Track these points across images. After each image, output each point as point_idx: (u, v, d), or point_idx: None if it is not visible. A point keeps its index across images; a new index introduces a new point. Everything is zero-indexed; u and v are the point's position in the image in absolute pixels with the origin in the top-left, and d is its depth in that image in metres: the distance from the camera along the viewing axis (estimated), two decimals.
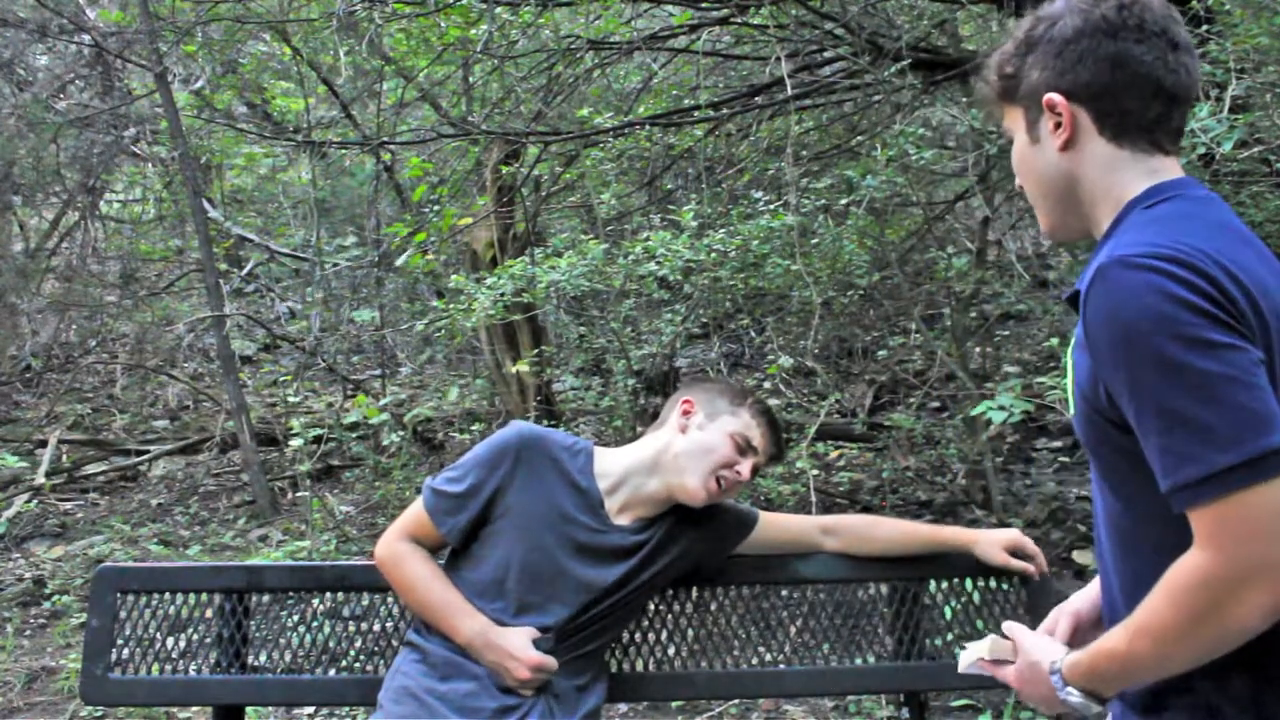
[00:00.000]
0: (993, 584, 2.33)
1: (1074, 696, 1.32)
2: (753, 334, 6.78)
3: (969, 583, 2.33)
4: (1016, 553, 2.22)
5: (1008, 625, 1.50)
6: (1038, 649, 1.41)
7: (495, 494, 2.07)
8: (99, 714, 3.86)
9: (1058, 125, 1.35)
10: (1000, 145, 3.54)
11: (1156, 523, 1.25)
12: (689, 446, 2.10)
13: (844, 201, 3.69)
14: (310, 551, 4.95)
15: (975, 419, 4.19)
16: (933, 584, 2.34)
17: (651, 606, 2.33)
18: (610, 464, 2.14)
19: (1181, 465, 1.15)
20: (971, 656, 1.53)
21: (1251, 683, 1.23)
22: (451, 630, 2.04)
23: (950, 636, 2.38)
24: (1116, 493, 1.32)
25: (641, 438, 2.22)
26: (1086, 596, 1.56)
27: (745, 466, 2.09)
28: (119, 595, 2.33)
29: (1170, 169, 1.35)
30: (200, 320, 7.50)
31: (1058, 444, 5.59)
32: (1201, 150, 2.75)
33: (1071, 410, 1.35)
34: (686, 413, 2.14)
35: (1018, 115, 1.41)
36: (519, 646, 2.00)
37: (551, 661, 2.01)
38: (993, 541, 2.22)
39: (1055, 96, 1.34)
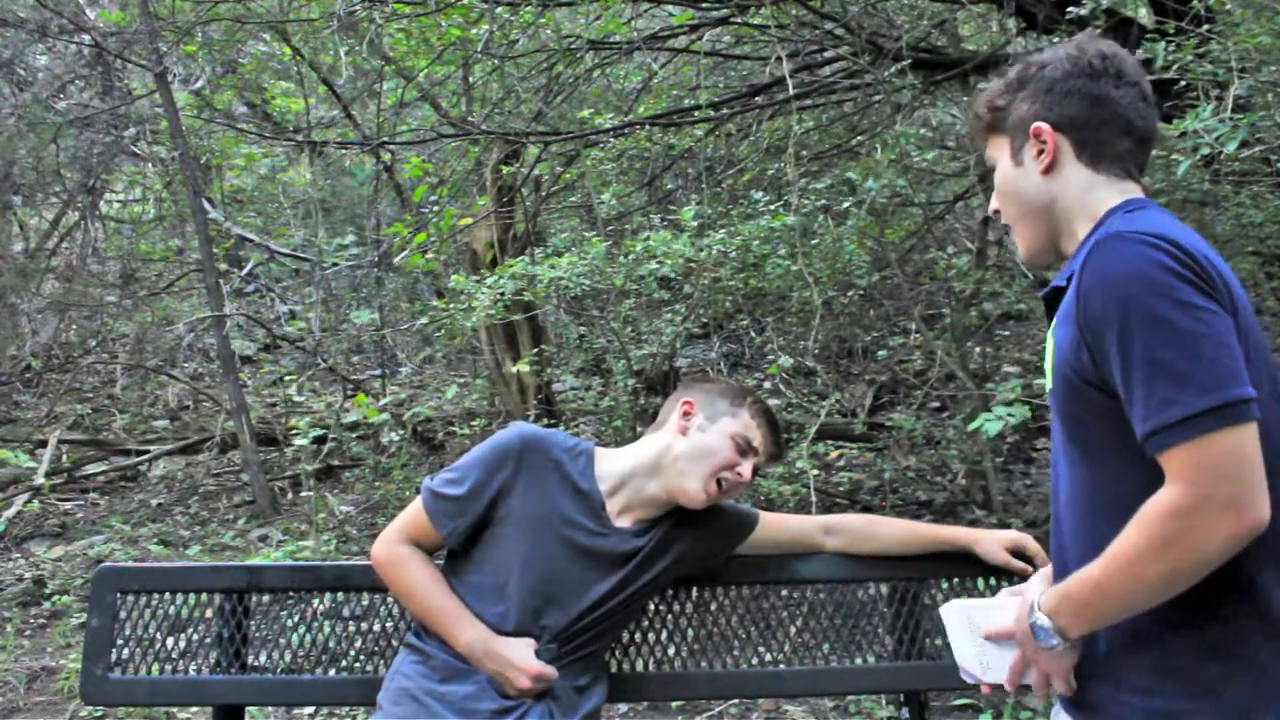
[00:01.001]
0: (993, 584, 2.33)
1: (1043, 621, 1.42)
2: (753, 334, 6.78)
3: (969, 583, 2.33)
4: (1018, 553, 2.22)
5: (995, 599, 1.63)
6: (1024, 597, 1.51)
7: (496, 497, 2.06)
8: (99, 714, 3.86)
9: (1040, 151, 1.55)
10: None
11: (1126, 484, 1.39)
12: (689, 449, 2.09)
13: (846, 204, 3.69)
14: (310, 551, 4.95)
15: (975, 419, 4.18)
16: (933, 584, 2.34)
17: (651, 606, 2.33)
18: (611, 466, 2.13)
19: (1163, 408, 1.30)
20: (967, 648, 1.56)
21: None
22: (451, 638, 2.03)
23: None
24: (1089, 459, 1.45)
25: (641, 439, 2.21)
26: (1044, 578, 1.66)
27: (746, 468, 2.09)
28: (119, 595, 2.33)
29: (1139, 192, 1.55)
30: (200, 320, 7.51)
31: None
32: (1205, 151, 2.75)
33: (1049, 385, 1.49)
34: (686, 414, 2.13)
35: (1003, 144, 1.60)
36: (519, 656, 1.99)
37: (552, 671, 2.00)
38: (994, 541, 2.22)
39: (1042, 125, 1.54)
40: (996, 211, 1.65)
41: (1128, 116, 1.53)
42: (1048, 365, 1.50)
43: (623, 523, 2.11)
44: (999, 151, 1.61)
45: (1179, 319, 1.30)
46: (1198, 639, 1.36)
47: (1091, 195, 1.53)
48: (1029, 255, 1.62)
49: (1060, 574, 1.49)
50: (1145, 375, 1.31)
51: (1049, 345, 1.50)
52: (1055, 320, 1.49)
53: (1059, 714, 1.54)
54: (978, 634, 1.54)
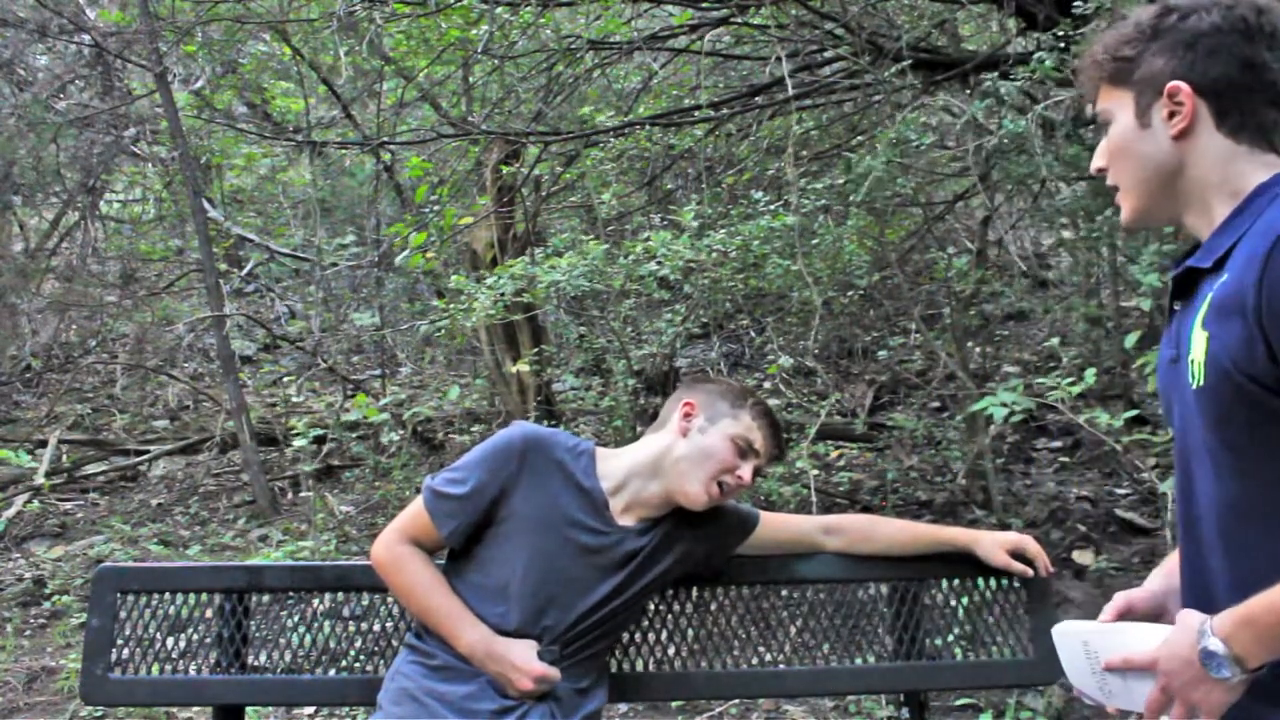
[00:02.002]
0: (993, 584, 2.33)
1: (1217, 647, 1.27)
2: (753, 334, 6.78)
3: (970, 583, 2.33)
4: (1019, 555, 2.21)
5: (1109, 626, 1.47)
6: (1183, 621, 1.35)
7: (498, 496, 2.05)
8: (99, 714, 3.86)
9: (1173, 114, 1.38)
10: (1001, 145, 3.54)
11: None
12: (690, 451, 2.09)
13: (849, 198, 3.69)
14: (310, 551, 4.95)
15: (976, 418, 4.19)
16: (933, 584, 2.34)
17: (651, 606, 2.33)
18: (612, 465, 2.13)
19: None
20: (1080, 666, 1.46)
21: None
22: (452, 639, 2.03)
23: (950, 637, 2.38)
24: (1242, 465, 1.32)
25: (642, 439, 2.21)
26: (1142, 593, 1.56)
27: (746, 470, 2.08)
28: (119, 595, 2.33)
29: None
30: (200, 320, 7.50)
31: (1058, 444, 5.59)
32: None
33: (1197, 382, 1.34)
34: (687, 415, 2.13)
35: (1126, 98, 1.43)
36: (522, 657, 1.99)
37: (555, 673, 2.00)
38: (995, 542, 2.22)
39: (1181, 85, 1.37)
40: (1102, 170, 1.48)
41: (1279, 83, 1.36)
42: (1196, 359, 1.34)
43: (625, 522, 2.10)
44: (1118, 106, 1.44)
45: None
46: None
47: (1233, 169, 1.37)
48: (1137, 219, 1.47)
49: (1200, 591, 1.39)
50: None
51: (1199, 337, 1.34)
52: (1206, 310, 1.33)
53: None
54: (1096, 661, 1.44)
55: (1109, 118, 1.45)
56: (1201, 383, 1.33)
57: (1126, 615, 1.54)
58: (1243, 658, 1.25)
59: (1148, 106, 1.40)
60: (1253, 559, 1.30)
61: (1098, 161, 1.49)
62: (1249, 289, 1.26)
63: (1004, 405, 3.41)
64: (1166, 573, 1.56)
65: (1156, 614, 1.54)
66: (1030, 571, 2.22)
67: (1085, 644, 1.45)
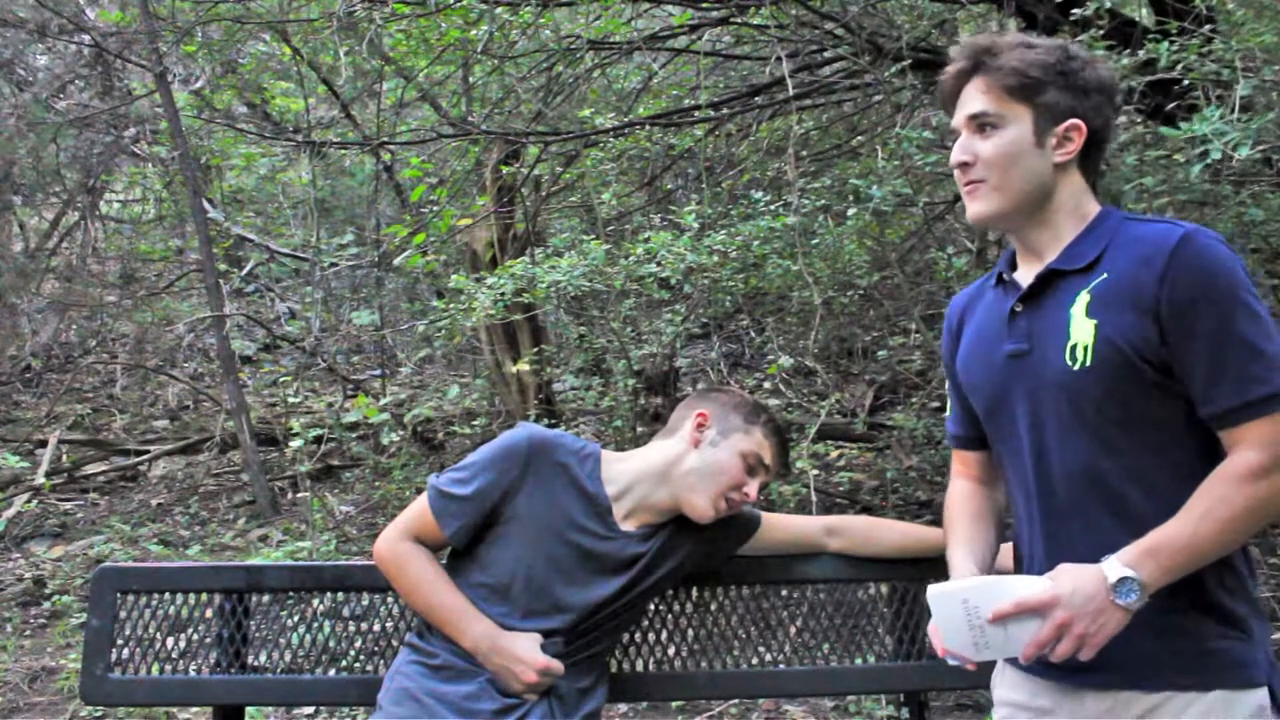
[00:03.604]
0: None
1: (1129, 573, 1.48)
2: (753, 334, 6.78)
3: None
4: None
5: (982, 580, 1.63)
6: (1073, 568, 1.54)
7: (503, 497, 2.05)
8: (99, 714, 3.86)
9: (1060, 144, 1.63)
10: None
11: (1149, 456, 1.55)
12: (700, 464, 2.09)
13: (851, 213, 3.68)
14: (310, 551, 4.95)
15: None
16: (933, 584, 2.34)
17: (651, 606, 2.33)
18: (618, 470, 2.13)
19: (1251, 386, 1.49)
20: (958, 632, 1.58)
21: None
22: (457, 634, 2.03)
23: None
24: (1119, 434, 1.55)
25: (650, 444, 2.21)
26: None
27: (753, 487, 2.09)
28: (119, 595, 2.33)
29: None
30: (200, 320, 7.51)
31: None
32: (1216, 155, 2.74)
33: (1083, 363, 1.56)
34: (700, 426, 2.12)
35: (1024, 114, 1.63)
36: (526, 650, 1.99)
37: (558, 665, 2.00)
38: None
39: (1080, 124, 1.62)
40: (964, 164, 1.66)
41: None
42: (1083, 343, 1.57)
43: (628, 527, 2.10)
44: (1014, 118, 1.63)
45: (1261, 310, 1.51)
46: (1232, 588, 1.55)
47: (1084, 199, 1.66)
48: (993, 219, 1.67)
49: (1064, 553, 1.58)
50: (1238, 356, 1.49)
51: (1084, 325, 1.57)
52: (1088, 303, 1.57)
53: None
54: (975, 615, 1.56)
55: (998, 123, 1.63)
56: (1089, 363, 1.56)
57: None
58: (1146, 584, 1.49)
59: (1044, 130, 1.62)
60: (1126, 518, 1.55)
61: (963, 156, 1.66)
62: (1146, 284, 1.53)
63: None
64: (978, 558, 1.77)
65: None
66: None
67: (965, 601, 1.57)
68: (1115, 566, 1.49)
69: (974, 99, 1.65)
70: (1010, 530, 1.83)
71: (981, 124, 1.64)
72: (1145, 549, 1.50)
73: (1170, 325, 1.51)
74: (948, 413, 1.96)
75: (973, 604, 1.57)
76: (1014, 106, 1.63)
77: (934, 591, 1.62)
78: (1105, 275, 1.57)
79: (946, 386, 1.95)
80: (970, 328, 1.80)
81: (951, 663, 1.63)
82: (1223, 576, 1.55)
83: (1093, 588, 1.49)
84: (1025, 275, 1.69)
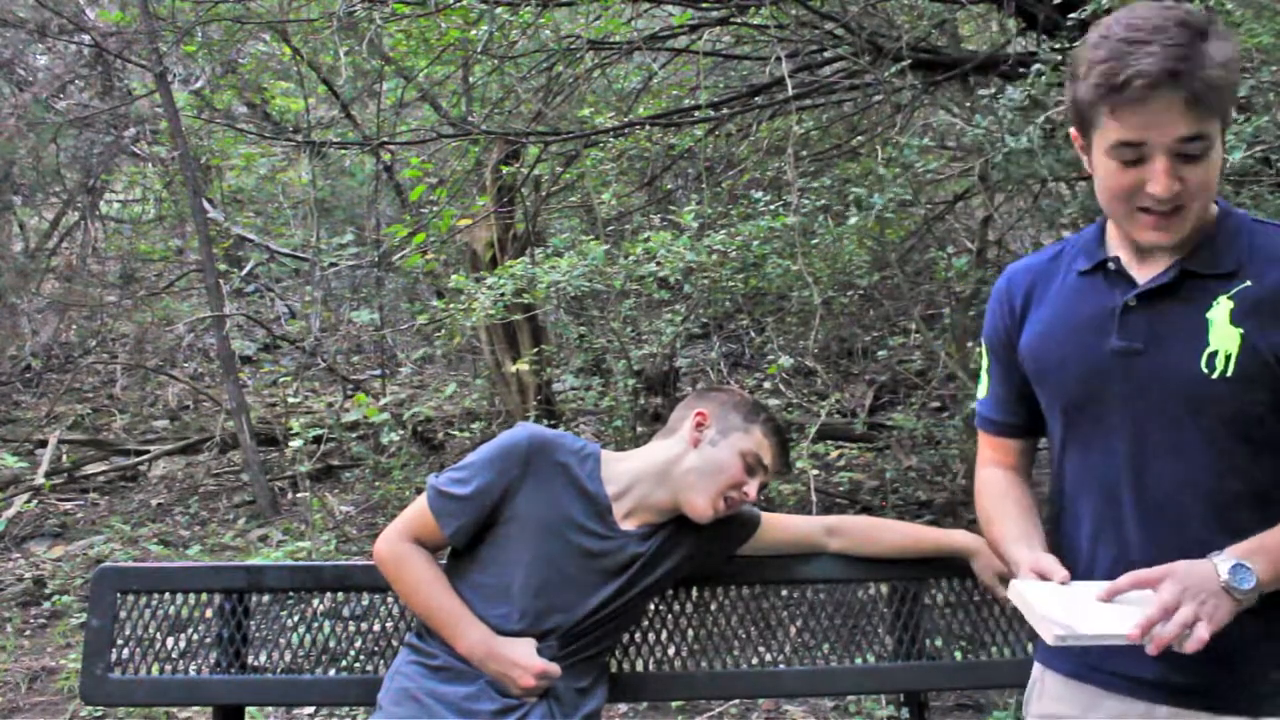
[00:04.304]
0: None
1: (1243, 561, 1.40)
2: (753, 334, 6.78)
3: (970, 583, 2.32)
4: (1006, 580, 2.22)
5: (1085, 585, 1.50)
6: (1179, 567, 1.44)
7: (502, 497, 2.05)
8: (99, 714, 3.86)
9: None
10: (1005, 155, 3.51)
11: (1268, 474, 1.48)
12: (700, 463, 2.09)
13: (851, 220, 3.68)
14: (310, 551, 4.95)
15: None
16: (933, 584, 2.34)
17: (651, 607, 2.32)
18: (618, 470, 2.13)
19: None
20: (1054, 615, 1.41)
21: None
22: (452, 639, 2.03)
23: (950, 637, 2.38)
24: (1242, 452, 1.47)
25: (650, 443, 2.21)
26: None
27: (752, 487, 2.09)
28: (119, 595, 2.33)
29: None
30: (200, 320, 7.51)
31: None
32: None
33: (1223, 372, 1.46)
34: (699, 425, 2.12)
35: (1218, 128, 1.46)
36: (522, 655, 1.99)
37: (555, 668, 2.00)
38: (990, 564, 2.20)
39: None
40: (1177, 193, 1.45)
41: None
42: (1226, 352, 1.46)
43: (628, 526, 2.10)
44: (1214, 132, 1.44)
45: None
46: None
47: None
48: (1183, 239, 1.51)
49: (1145, 554, 1.49)
50: None
51: (1228, 333, 1.47)
52: (1231, 309, 1.47)
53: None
54: (1072, 599, 1.45)
55: (1208, 146, 1.44)
56: (1229, 373, 1.45)
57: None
58: (1260, 578, 1.40)
59: (1220, 140, 1.47)
60: (1238, 536, 1.44)
61: (1174, 186, 1.44)
62: None
63: None
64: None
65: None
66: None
67: (1052, 587, 1.47)
68: (1226, 557, 1.41)
69: (1179, 120, 1.41)
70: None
71: (1190, 150, 1.43)
72: (1255, 547, 1.42)
73: None
74: (982, 394, 1.79)
75: (1064, 590, 1.47)
76: (1214, 122, 1.44)
77: (1018, 584, 1.51)
78: (1249, 283, 1.47)
79: (985, 366, 1.78)
80: (1044, 310, 1.64)
81: (1056, 641, 1.41)
82: None
83: (1206, 570, 1.40)
84: (1143, 269, 1.55)
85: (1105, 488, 1.56)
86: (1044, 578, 1.52)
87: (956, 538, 2.28)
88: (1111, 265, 1.57)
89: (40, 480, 6.17)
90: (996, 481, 1.76)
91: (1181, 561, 1.43)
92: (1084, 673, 1.57)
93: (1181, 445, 1.49)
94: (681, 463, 2.10)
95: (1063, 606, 1.43)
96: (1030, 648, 2.27)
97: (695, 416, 2.13)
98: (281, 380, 7.68)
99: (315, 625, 2.38)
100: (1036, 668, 1.70)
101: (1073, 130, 1.53)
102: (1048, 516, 1.71)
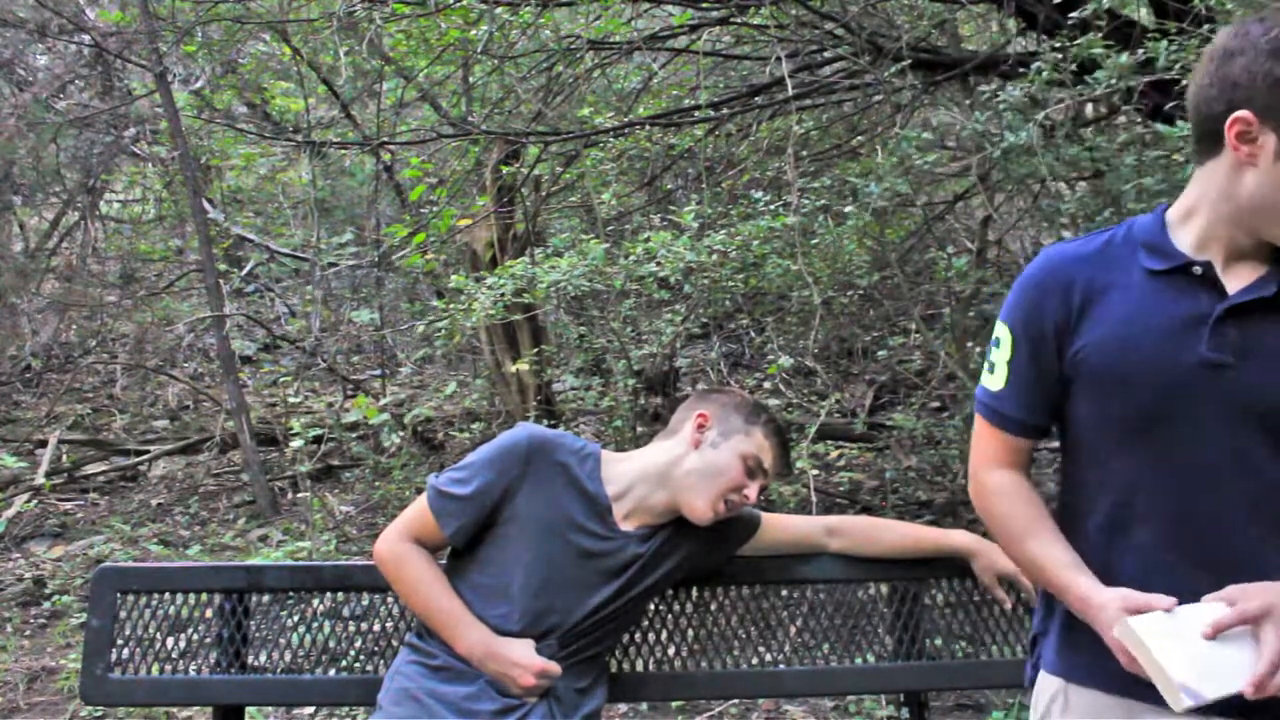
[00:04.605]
0: None
1: None
2: (753, 334, 6.78)
3: (970, 583, 2.32)
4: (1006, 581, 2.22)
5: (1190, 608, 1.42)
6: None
7: (502, 497, 2.05)
8: (99, 714, 3.86)
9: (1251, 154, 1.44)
10: (1005, 153, 3.52)
11: None
12: (700, 465, 2.09)
13: (848, 209, 3.68)
14: (310, 551, 4.95)
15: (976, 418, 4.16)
16: (933, 584, 2.34)
17: (651, 607, 2.33)
18: (618, 470, 2.13)
19: None
20: (1179, 672, 1.33)
21: None
22: (451, 640, 2.03)
23: (950, 636, 2.38)
24: None
25: (651, 444, 2.21)
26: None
27: (753, 490, 2.09)
28: (119, 595, 2.33)
29: None
30: (200, 320, 7.51)
31: (1057, 444, 5.58)
32: None
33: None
34: (701, 426, 2.12)
35: (1272, 140, 1.41)
36: (521, 654, 1.99)
37: (555, 667, 2.00)
38: (989, 565, 2.21)
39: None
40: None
41: None
42: None
43: (628, 527, 2.10)
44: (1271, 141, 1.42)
45: None
46: None
47: None
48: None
49: (1208, 575, 1.43)
50: None
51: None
52: None
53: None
54: (1187, 641, 1.34)
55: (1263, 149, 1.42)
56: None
57: None
58: None
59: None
60: None
61: (1266, 198, 1.44)
62: None
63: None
64: (1083, 568, 1.54)
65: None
66: (1009, 604, 2.23)
67: (1169, 628, 1.36)
68: None
69: None
70: None
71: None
72: None
73: None
74: (996, 386, 1.64)
75: (1180, 629, 1.37)
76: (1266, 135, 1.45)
77: (1131, 624, 1.38)
78: None
79: (1007, 358, 1.62)
80: (1115, 309, 1.51)
81: (1187, 705, 1.33)
82: None
83: None
84: (1230, 277, 1.48)
85: (1164, 499, 1.48)
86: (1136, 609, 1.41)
87: (956, 538, 2.28)
88: (1198, 270, 1.48)
89: (40, 480, 6.17)
90: (1016, 490, 1.66)
91: (1259, 590, 1.37)
92: (1121, 686, 1.47)
93: (1259, 464, 1.44)
94: (682, 464, 2.10)
95: (1185, 659, 1.34)
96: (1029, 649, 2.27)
97: (697, 418, 2.13)
98: (281, 380, 7.68)
99: (315, 625, 2.38)
100: (1049, 680, 1.59)
101: (1244, 113, 1.41)
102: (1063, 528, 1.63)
